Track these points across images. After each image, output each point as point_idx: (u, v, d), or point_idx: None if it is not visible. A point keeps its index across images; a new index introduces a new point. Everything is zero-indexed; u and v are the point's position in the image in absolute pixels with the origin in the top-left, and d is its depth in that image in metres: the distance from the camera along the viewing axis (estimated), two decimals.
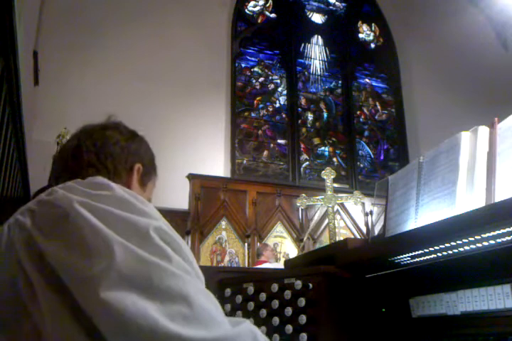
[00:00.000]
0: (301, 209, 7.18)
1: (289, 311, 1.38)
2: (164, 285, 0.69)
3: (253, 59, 8.63)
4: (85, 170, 1.01)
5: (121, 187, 0.83)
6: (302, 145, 8.46)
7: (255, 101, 8.38)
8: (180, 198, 6.73)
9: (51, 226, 0.74)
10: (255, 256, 6.37)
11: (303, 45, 9.11)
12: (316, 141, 8.65)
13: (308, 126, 8.70)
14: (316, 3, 9.47)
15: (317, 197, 5.74)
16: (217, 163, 7.40)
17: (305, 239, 7.16)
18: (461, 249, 1.06)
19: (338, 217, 7.27)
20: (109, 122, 1.13)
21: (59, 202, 0.76)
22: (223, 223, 7.07)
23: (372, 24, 9.77)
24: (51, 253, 0.72)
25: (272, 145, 8.25)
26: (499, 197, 1.04)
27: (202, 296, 0.72)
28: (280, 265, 5.70)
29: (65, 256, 0.71)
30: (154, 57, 7.16)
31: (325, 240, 7.12)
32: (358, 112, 9.19)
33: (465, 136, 1.20)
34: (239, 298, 1.55)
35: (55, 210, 0.75)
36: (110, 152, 1.07)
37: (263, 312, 1.45)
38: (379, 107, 9.38)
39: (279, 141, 8.34)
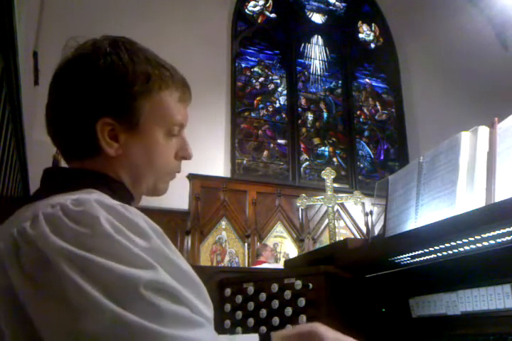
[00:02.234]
0: (301, 209, 7.17)
1: (289, 311, 1.38)
2: None
3: (253, 59, 8.63)
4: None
5: (110, 213, 0.68)
6: (302, 145, 8.46)
7: (255, 101, 8.38)
8: (180, 198, 6.72)
9: (33, 268, 0.64)
10: (255, 256, 6.37)
11: (303, 45, 9.10)
12: (316, 141, 8.65)
13: (308, 126, 8.70)
14: (316, 3, 9.47)
15: (317, 197, 5.75)
16: (217, 163, 7.39)
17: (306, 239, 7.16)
18: (461, 249, 1.06)
19: (338, 217, 7.27)
20: None
21: (40, 245, 0.65)
22: (223, 223, 7.07)
23: (372, 24, 9.77)
24: (29, 300, 0.64)
25: (272, 145, 8.24)
26: (499, 197, 1.04)
27: None
28: (279, 266, 5.69)
29: (45, 307, 0.63)
30: None
31: (325, 240, 7.12)
32: (358, 112, 9.19)
33: (465, 136, 1.20)
34: (239, 298, 1.54)
35: (37, 253, 0.65)
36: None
37: (263, 312, 1.45)
38: (379, 107, 9.38)
39: (279, 141, 8.34)
